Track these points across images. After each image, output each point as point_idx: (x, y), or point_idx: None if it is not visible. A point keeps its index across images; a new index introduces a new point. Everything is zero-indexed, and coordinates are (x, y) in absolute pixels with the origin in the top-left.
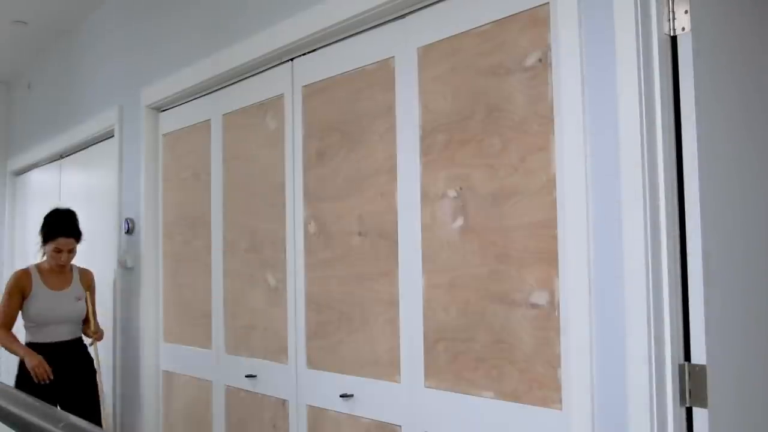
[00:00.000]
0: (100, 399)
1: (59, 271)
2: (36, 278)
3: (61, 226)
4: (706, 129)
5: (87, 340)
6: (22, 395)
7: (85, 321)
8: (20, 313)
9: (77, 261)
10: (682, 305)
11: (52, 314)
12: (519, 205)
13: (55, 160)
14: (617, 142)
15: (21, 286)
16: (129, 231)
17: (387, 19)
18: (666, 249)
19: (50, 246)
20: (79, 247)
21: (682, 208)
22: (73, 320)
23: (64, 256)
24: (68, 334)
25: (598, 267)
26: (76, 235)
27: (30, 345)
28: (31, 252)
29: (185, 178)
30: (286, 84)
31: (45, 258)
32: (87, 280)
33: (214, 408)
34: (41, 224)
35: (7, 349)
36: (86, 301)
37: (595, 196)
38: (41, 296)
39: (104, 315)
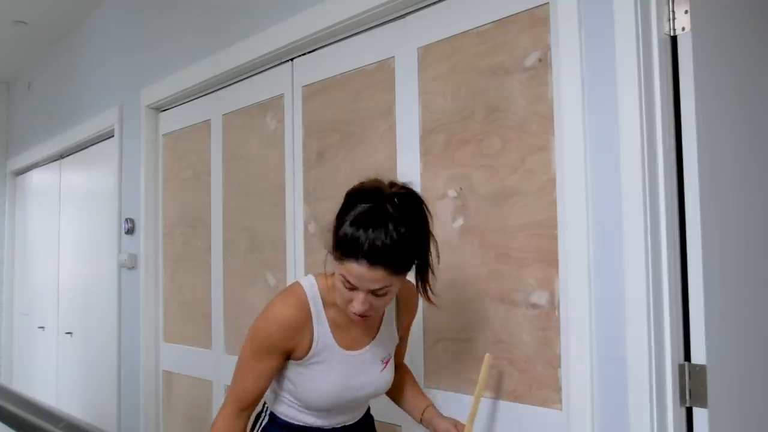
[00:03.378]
0: None
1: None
2: (320, 323)
3: (368, 240)
4: (706, 129)
5: None
6: (22, 395)
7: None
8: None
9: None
10: (682, 305)
11: (342, 399)
12: (519, 205)
13: (55, 160)
14: (617, 142)
15: (288, 342)
16: (129, 231)
17: (387, 19)
18: (666, 249)
19: (339, 269)
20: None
21: (682, 208)
22: (370, 400)
23: (359, 302)
24: (356, 416)
25: (598, 267)
26: (399, 267)
27: (277, 422)
28: (31, 252)
29: (185, 178)
30: (286, 84)
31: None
32: (410, 307)
33: (215, 408)
34: (339, 209)
35: None
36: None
37: (595, 196)
38: (327, 364)
39: (105, 315)
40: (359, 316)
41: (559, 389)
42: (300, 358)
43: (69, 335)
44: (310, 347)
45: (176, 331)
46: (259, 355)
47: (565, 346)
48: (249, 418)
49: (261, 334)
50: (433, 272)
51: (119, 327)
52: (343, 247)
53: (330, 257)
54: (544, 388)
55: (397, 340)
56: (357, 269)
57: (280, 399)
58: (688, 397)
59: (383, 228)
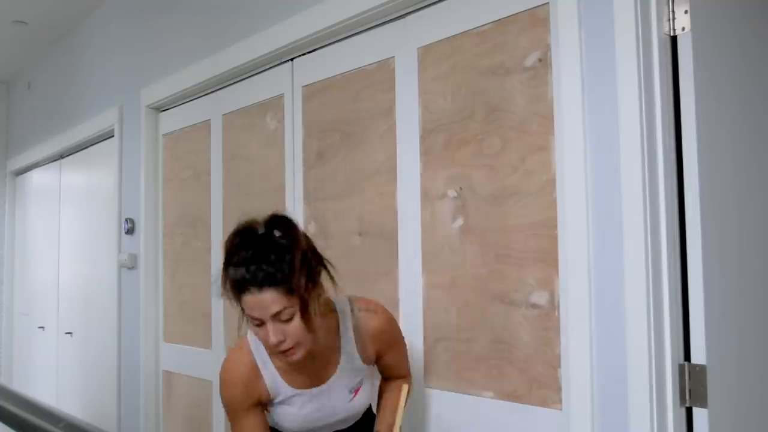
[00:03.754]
0: None
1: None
2: (267, 370)
3: (246, 269)
4: (706, 129)
5: None
6: (22, 395)
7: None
8: None
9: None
10: (682, 305)
11: (319, 424)
12: (519, 205)
13: (55, 160)
14: (617, 142)
15: (251, 395)
16: (129, 231)
17: (387, 19)
18: (666, 249)
19: (244, 313)
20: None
21: (682, 207)
22: (349, 422)
23: (271, 333)
24: (348, 423)
25: (598, 267)
26: (285, 282)
27: None
28: (31, 252)
29: (185, 178)
30: (286, 84)
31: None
32: (376, 338)
33: (214, 408)
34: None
35: None
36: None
37: (595, 196)
38: (290, 403)
39: (105, 315)
40: (287, 351)
41: (559, 389)
42: (269, 401)
43: (69, 335)
44: (267, 394)
45: (176, 331)
46: (238, 417)
47: (565, 346)
48: None
49: (226, 400)
50: (317, 290)
51: (119, 327)
52: (233, 288)
53: (241, 316)
54: (544, 388)
55: (364, 368)
56: (251, 300)
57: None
58: (688, 397)
59: (254, 253)
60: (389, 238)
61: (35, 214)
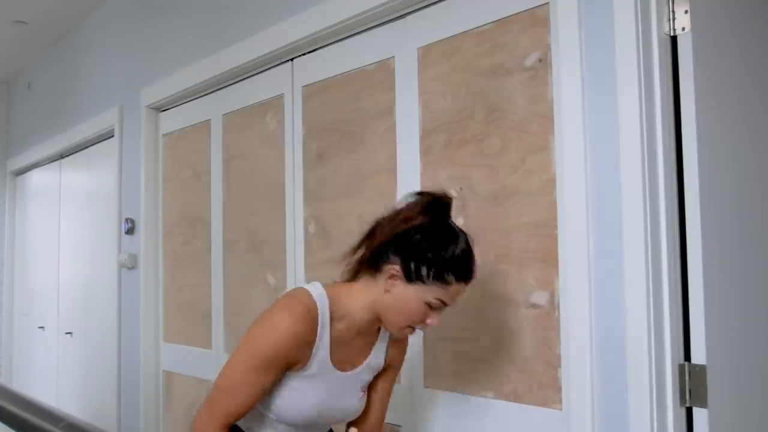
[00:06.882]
0: None
1: (365, 331)
2: (322, 337)
3: (470, 263)
4: (706, 129)
5: None
6: (22, 395)
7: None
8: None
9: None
10: (682, 305)
11: (318, 417)
12: (519, 205)
13: (55, 160)
14: (617, 142)
15: (295, 355)
16: (129, 231)
17: (387, 19)
18: (666, 249)
19: (428, 291)
20: None
21: (682, 207)
22: (342, 421)
23: (438, 317)
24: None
25: (598, 267)
26: None
27: None
28: (31, 252)
29: (185, 178)
30: (286, 84)
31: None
32: (399, 345)
33: None
34: (420, 237)
35: None
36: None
37: (595, 196)
38: (317, 378)
39: (105, 315)
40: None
41: (559, 389)
42: (300, 367)
43: (69, 335)
44: (307, 360)
45: (176, 331)
46: (261, 370)
47: (565, 346)
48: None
49: (266, 347)
50: None
51: (119, 327)
52: (456, 272)
53: (413, 290)
54: (544, 388)
55: (379, 369)
56: (460, 289)
57: (250, 414)
58: (688, 397)
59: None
60: None
61: (35, 214)
